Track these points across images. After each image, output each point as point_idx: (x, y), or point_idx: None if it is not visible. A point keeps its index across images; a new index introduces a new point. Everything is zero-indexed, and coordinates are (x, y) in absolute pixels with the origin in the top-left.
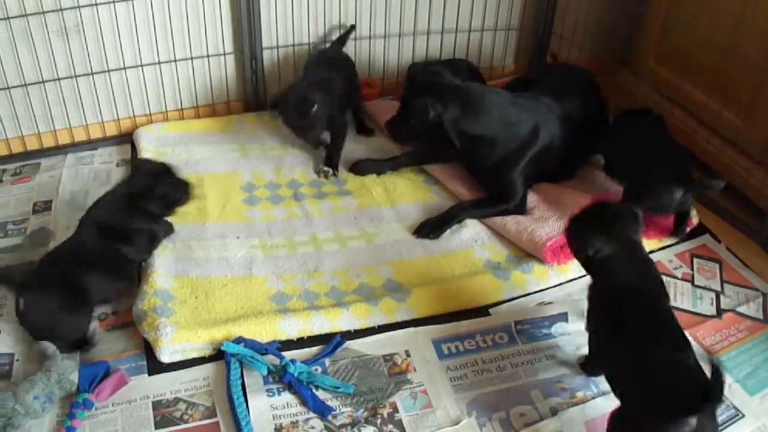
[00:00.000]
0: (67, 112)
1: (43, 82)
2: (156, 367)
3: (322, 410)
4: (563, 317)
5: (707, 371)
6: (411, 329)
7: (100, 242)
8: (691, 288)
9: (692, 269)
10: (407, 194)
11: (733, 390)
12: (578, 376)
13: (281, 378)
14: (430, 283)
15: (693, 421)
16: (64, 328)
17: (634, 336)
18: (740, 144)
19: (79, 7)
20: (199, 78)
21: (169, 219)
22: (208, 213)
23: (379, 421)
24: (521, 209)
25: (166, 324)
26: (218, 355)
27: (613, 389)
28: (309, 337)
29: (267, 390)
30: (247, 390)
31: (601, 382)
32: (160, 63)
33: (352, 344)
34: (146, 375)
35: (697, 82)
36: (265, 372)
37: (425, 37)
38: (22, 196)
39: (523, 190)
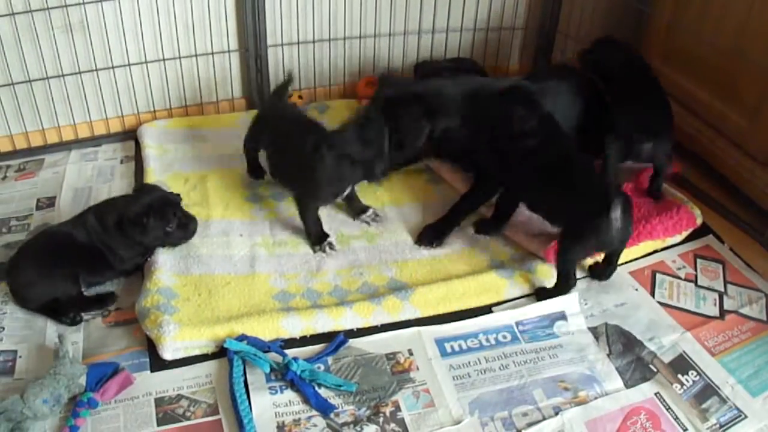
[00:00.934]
0: (71, 109)
1: (48, 78)
2: (159, 364)
3: (325, 408)
4: (564, 316)
5: None
6: (414, 328)
7: (88, 241)
8: (694, 288)
9: (695, 270)
10: (410, 194)
11: (735, 391)
12: (581, 375)
13: (284, 376)
14: (433, 281)
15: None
16: (39, 287)
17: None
18: (745, 145)
19: (83, 3)
20: (204, 75)
21: None
22: (211, 210)
23: (381, 419)
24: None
25: (169, 321)
26: (221, 352)
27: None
28: (312, 336)
29: (269, 388)
30: (250, 388)
31: (604, 382)
32: (164, 60)
33: (355, 342)
34: (149, 372)
35: (702, 83)
36: (268, 370)
37: (430, 35)
38: (25, 192)
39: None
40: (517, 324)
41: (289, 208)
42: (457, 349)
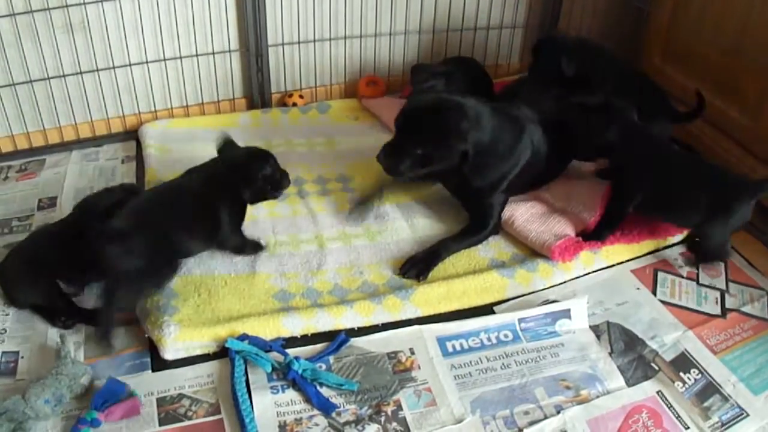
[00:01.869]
0: (72, 109)
1: (48, 78)
2: (160, 363)
3: (326, 407)
4: (567, 315)
5: None
6: (416, 327)
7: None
8: (696, 287)
9: (697, 268)
10: (411, 192)
11: (737, 389)
12: (582, 374)
13: (285, 375)
14: (434, 281)
15: None
16: (22, 289)
17: None
18: (747, 143)
19: (84, 3)
20: (204, 75)
21: None
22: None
23: (383, 418)
24: (497, 231)
25: (170, 322)
26: (222, 352)
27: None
28: (313, 335)
29: (271, 387)
30: (251, 387)
31: (606, 380)
32: (165, 60)
33: (356, 342)
34: (150, 372)
35: (703, 82)
36: (269, 369)
37: (431, 35)
38: (27, 193)
39: (500, 212)
40: (520, 321)
41: (289, 207)
42: (458, 348)
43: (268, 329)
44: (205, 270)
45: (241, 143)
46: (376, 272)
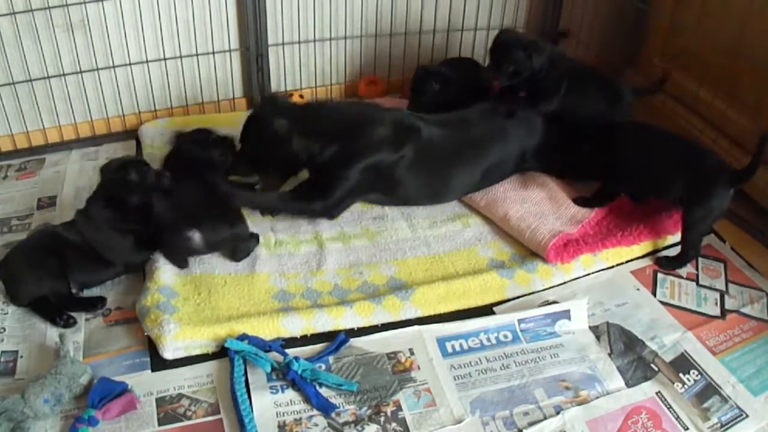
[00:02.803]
0: (72, 108)
1: (48, 77)
2: (159, 363)
3: (326, 408)
4: (567, 316)
5: None
6: (415, 327)
7: (81, 241)
8: (695, 288)
9: (697, 269)
10: None
11: (737, 390)
12: (582, 375)
13: (285, 375)
14: (433, 281)
15: None
16: (28, 283)
17: None
18: (746, 144)
19: (84, 2)
20: (204, 74)
21: None
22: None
23: (382, 419)
24: (331, 214)
25: (169, 321)
26: (222, 352)
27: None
28: (313, 335)
29: (270, 387)
30: (251, 387)
31: (605, 381)
32: (165, 59)
33: (356, 342)
34: (149, 371)
35: (703, 82)
36: (269, 369)
37: (431, 35)
38: (26, 192)
39: (339, 198)
40: (519, 322)
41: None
42: (458, 348)
43: (268, 329)
44: (205, 269)
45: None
46: (376, 272)
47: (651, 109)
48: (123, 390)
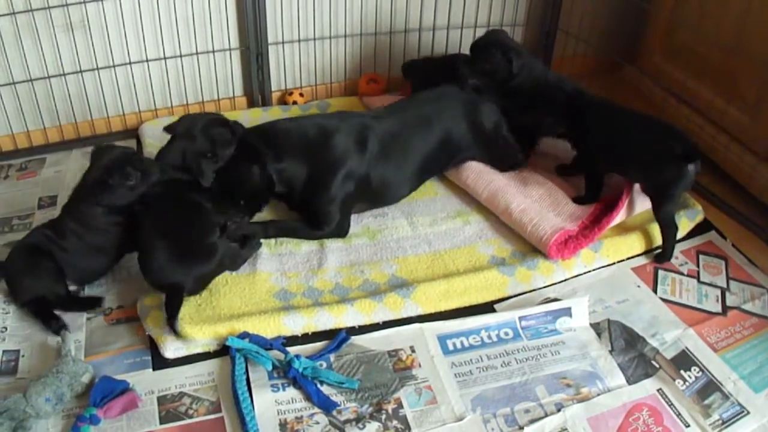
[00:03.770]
0: (72, 108)
1: (49, 77)
2: (161, 362)
3: (327, 405)
4: (568, 313)
5: None
6: (416, 325)
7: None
8: (696, 284)
9: (698, 266)
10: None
11: (738, 387)
12: (583, 372)
13: (286, 373)
14: (434, 279)
15: None
16: (26, 282)
17: None
18: (746, 141)
19: (84, 2)
20: (205, 73)
21: None
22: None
23: (383, 416)
24: (339, 234)
25: None
26: (223, 350)
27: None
28: (314, 333)
29: (272, 385)
30: (252, 385)
31: (606, 378)
32: (165, 58)
33: (357, 340)
34: (151, 370)
35: (703, 79)
36: (270, 367)
37: (431, 32)
38: (27, 191)
39: (340, 215)
40: (520, 319)
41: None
42: (459, 346)
43: (269, 328)
44: None
45: None
46: (377, 271)
47: (651, 107)
48: (124, 388)
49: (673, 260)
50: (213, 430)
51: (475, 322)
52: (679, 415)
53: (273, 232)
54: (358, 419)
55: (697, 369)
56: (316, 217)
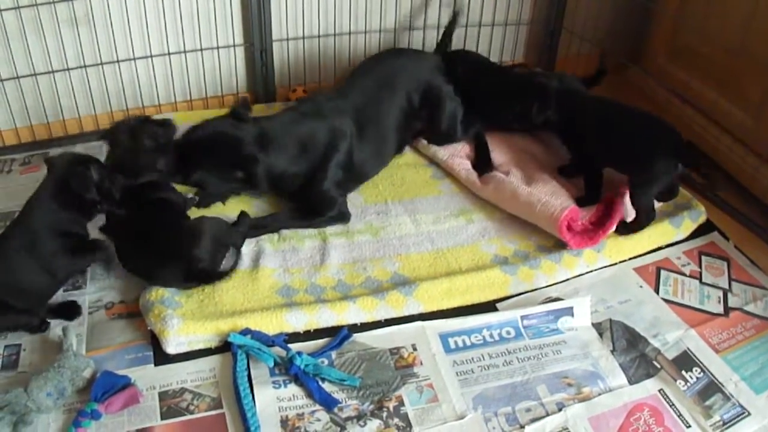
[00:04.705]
0: (76, 102)
1: (53, 72)
2: (162, 357)
3: (328, 403)
4: (570, 313)
5: None
6: (418, 323)
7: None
8: (698, 285)
9: (700, 267)
10: (414, 189)
11: (739, 388)
12: (584, 372)
13: (287, 370)
14: (436, 277)
15: None
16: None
17: None
18: (750, 142)
19: None
20: (209, 69)
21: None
22: (215, 204)
23: (384, 414)
24: (342, 218)
25: (173, 316)
26: (224, 346)
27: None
28: (316, 330)
29: (273, 382)
30: (254, 382)
31: (608, 378)
32: (169, 54)
33: (358, 337)
34: (152, 365)
35: (707, 80)
36: (272, 364)
37: (435, 30)
38: (29, 186)
39: (340, 199)
40: (522, 319)
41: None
42: (460, 344)
43: (271, 324)
44: None
45: None
46: (380, 268)
47: (655, 108)
48: (126, 384)
49: (675, 261)
50: (214, 427)
51: (477, 321)
52: (680, 415)
53: (277, 224)
54: (360, 417)
55: (699, 370)
56: (317, 204)
